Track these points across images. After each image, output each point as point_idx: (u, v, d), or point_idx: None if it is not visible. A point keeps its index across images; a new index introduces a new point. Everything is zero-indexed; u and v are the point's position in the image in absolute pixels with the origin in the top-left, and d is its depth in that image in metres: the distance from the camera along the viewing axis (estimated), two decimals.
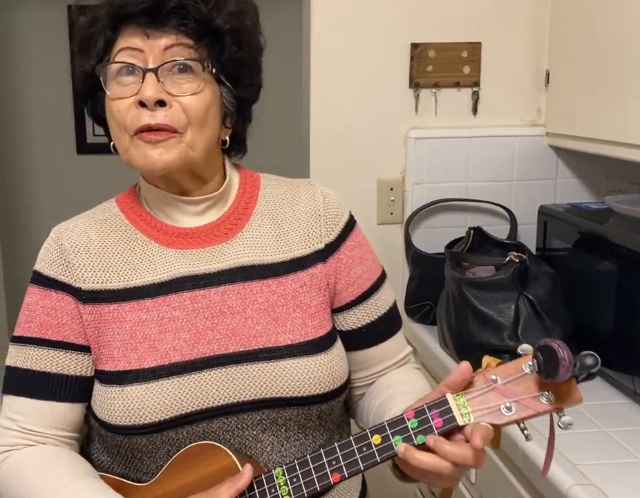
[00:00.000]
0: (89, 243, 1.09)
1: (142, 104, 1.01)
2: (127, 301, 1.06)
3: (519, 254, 1.67)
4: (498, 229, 2.01)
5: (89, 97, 1.11)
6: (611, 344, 1.58)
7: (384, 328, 1.18)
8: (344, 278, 1.13)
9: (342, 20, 1.98)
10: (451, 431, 0.91)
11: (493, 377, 0.90)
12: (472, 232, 1.90)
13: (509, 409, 0.89)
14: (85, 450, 1.15)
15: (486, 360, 0.93)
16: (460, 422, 0.90)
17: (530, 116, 2.07)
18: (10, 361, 1.10)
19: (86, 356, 1.08)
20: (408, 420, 0.92)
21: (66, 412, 1.07)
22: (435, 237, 2.05)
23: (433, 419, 0.91)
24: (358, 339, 1.16)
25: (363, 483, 1.19)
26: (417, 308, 2.04)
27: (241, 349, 1.05)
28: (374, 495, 1.25)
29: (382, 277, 1.19)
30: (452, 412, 0.90)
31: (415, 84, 2.02)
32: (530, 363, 0.89)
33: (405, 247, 2.08)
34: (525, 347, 0.91)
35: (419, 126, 2.04)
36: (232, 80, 1.08)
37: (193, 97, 1.02)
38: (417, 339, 1.98)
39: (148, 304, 1.06)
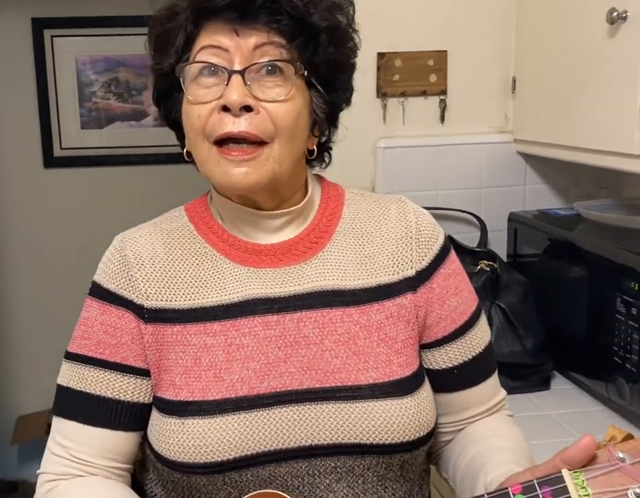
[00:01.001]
0: (154, 256, 0.99)
1: (225, 109, 0.90)
2: (193, 323, 0.96)
3: (490, 262, 1.67)
4: (469, 237, 2.01)
5: (164, 99, 1.00)
6: (584, 351, 1.58)
7: (479, 369, 1.04)
8: (436, 311, 1.00)
9: None
10: None
11: (621, 455, 0.74)
12: None
13: (638, 496, 0.72)
14: (138, 478, 1.06)
15: (611, 430, 0.79)
16: None
17: (498, 123, 2.07)
18: (62, 379, 1.00)
19: (145, 381, 0.98)
20: (514, 495, 0.75)
21: (120, 441, 0.97)
22: None
23: None
24: (448, 381, 1.02)
25: None
26: None
27: (317, 386, 0.93)
28: None
29: (478, 311, 1.06)
30: (569, 492, 0.73)
31: (382, 94, 2.01)
32: None
33: None
34: None
35: (388, 136, 2.04)
36: (324, 84, 0.96)
37: (283, 104, 0.91)
38: None
39: (216, 328, 0.95)
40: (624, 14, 1.45)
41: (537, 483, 0.75)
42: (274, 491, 0.90)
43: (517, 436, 1.02)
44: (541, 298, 1.71)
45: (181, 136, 1.01)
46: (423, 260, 1.01)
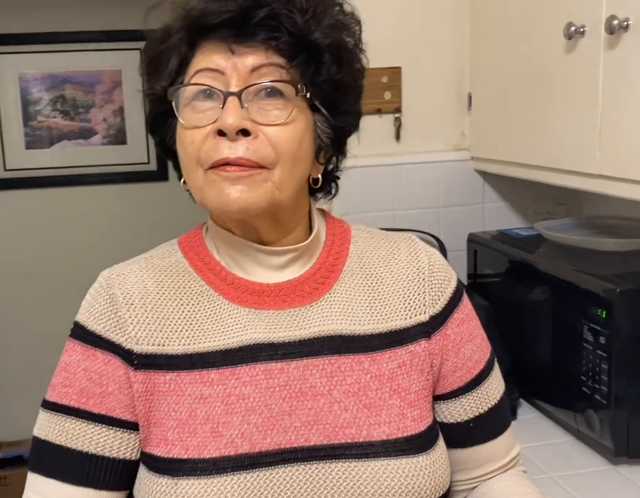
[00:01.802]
0: (145, 295, 0.90)
1: (221, 134, 0.84)
2: (188, 371, 0.87)
3: None
4: None
5: (159, 126, 0.94)
6: (550, 380, 1.52)
7: (495, 422, 0.98)
8: (451, 359, 0.94)
9: None
10: None
11: None
12: None
13: None
14: None
15: None
16: None
17: (454, 140, 2.01)
18: (40, 432, 0.90)
19: (133, 435, 0.89)
20: None
21: None
22: None
23: None
24: (463, 435, 0.96)
25: None
26: None
27: (325, 442, 0.85)
28: None
29: (492, 359, 0.99)
30: None
31: None
32: None
33: None
34: None
35: None
36: (329, 106, 0.90)
37: (283, 128, 0.85)
38: None
39: (213, 376, 0.87)
40: (582, 29, 1.40)
41: None
42: None
43: (532, 494, 0.94)
44: (504, 323, 1.65)
45: (178, 165, 0.94)
46: (436, 304, 0.94)
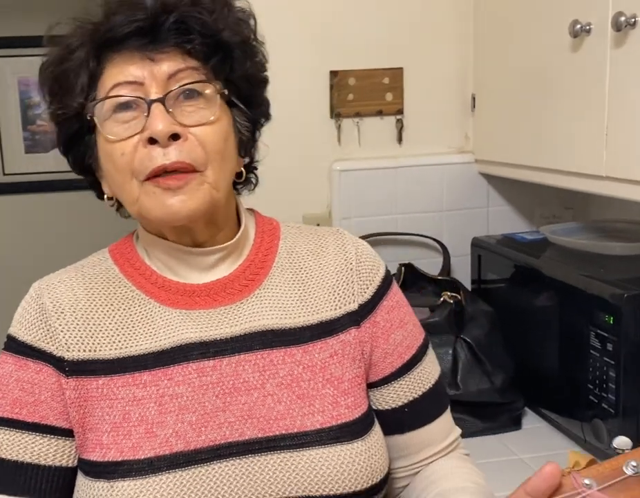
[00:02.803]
0: (75, 303, 0.91)
1: (152, 141, 0.84)
2: (120, 375, 0.88)
3: (453, 293, 1.57)
4: (431, 263, 1.91)
5: (73, 146, 0.93)
6: (556, 387, 1.48)
7: (430, 406, 0.99)
8: (382, 345, 0.95)
9: None
10: None
11: (587, 482, 0.67)
12: (403, 268, 1.79)
13: None
14: None
15: (573, 456, 0.72)
16: None
17: (458, 143, 1.97)
18: None
19: (68, 442, 0.89)
20: None
21: None
22: None
23: None
24: (399, 421, 0.97)
25: None
26: None
27: (260, 435, 0.86)
28: None
29: (425, 344, 1.00)
30: None
31: (336, 114, 1.90)
32: (634, 463, 0.68)
33: None
34: (622, 441, 0.70)
35: (343, 158, 1.92)
36: (244, 101, 0.93)
37: (210, 127, 0.86)
38: None
39: (146, 378, 0.87)
40: (587, 27, 1.36)
41: None
42: None
43: (475, 476, 0.95)
44: (509, 330, 1.60)
45: (94, 182, 0.95)
46: (365, 292, 0.96)
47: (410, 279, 1.78)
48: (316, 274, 0.96)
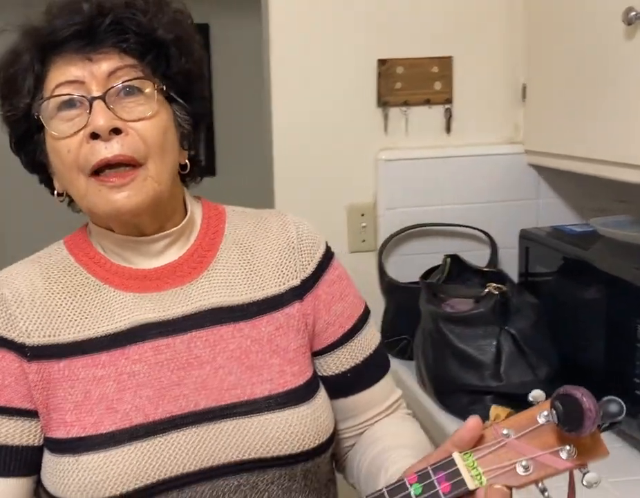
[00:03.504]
0: (34, 291, 0.97)
1: (94, 136, 0.91)
2: (79, 357, 0.94)
3: (499, 285, 1.54)
4: (477, 255, 1.88)
5: (23, 145, 1.00)
6: (602, 381, 1.44)
7: (371, 371, 1.08)
8: (323, 317, 1.03)
9: (304, 36, 1.85)
10: (460, 496, 0.77)
11: (505, 432, 0.77)
12: (448, 260, 1.76)
13: (525, 467, 0.76)
14: None
15: (494, 410, 0.81)
16: (471, 485, 0.76)
17: (507, 133, 1.94)
18: None
19: (34, 422, 0.95)
20: (411, 485, 0.78)
21: (12, 490, 0.93)
22: (410, 265, 1.91)
23: (439, 483, 0.77)
24: (343, 385, 1.05)
25: None
26: (394, 342, 1.89)
27: (213, 405, 0.94)
28: None
29: (365, 314, 1.09)
30: (461, 474, 0.77)
31: (383, 103, 1.89)
32: (546, 413, 0.76)
33: (379, 277, 1.95)
34: (536, 394, 0.78)
35: (390, 147, 1.91)
36: (184, 96, 0.99)
37: (149, 122, 0.93)
38: (394, 376, 1.84)
39: (104, 359, 0.94)
40: None
41: (431, 469, 0.78)
42: None
43: (415, 432, 1.06)
44: (554, 322, 1.57)
45: (45, 179, 1.01)
46: (306, 269, 1.03)
47: (456, 270, 1.75)
48: (261, 253, 1.03)
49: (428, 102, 1.90)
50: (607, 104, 1.49)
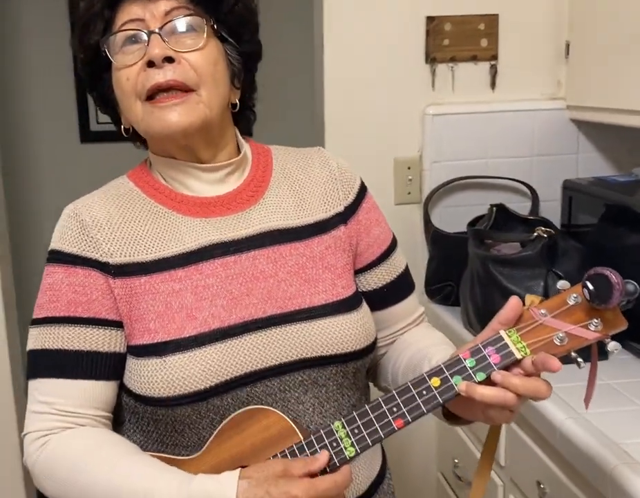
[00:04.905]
0: (110, 218, 1.06)
1: (150, 65, 1.01)
2: (158, 273, 1.04)
3: (547, 229, 1.62)
4: (519, 207, 1.96)
5: (96, 83, 1.11)
6: None
7: (403, 286, 1.21)
8: (365, 239, 1.15)
9: None
10: (508, 367, 0.92)
11: (542, 311, 0.92)
12: (494, 209, 1.84)
13: (561, 339, 0.90)
14: None
15: (529, 298, 0.95)
16: (518, 355, 0.91)
17: (550, 89, 2.01)
18: (35, 344, 1.04)
19: (119, 332, 1.04)
20: (465, 360, 0.93)
21: (102, 391, 1.03)
22: (454, 216, 2.00)
23: (490, 356, 0.92)
24: (380, 299, 1.17)
25: (383, 457, 1.19)
26: (438, 289, 1.99)
27: (278, 312, 1.04)
28: (397, 476, 1.24)
29: (395, 239, 1.22)
30: (509, 347, 0.91)
31: (431, 59, 1.96)
32: (575, 295, 0.91)
33: (424, 228, 2.03)
34: (563, 283, 0.93)
35: (436, 103, 1.99)
36: (234, 36, 1.08)
37: (200, 53, 1.03)
38: (439, 321, 1.93)
39: (180, 274, 1.04)
40: None
41: (481, 345, 0.92)
42: (257, 406, 1.00)
43: (443, 336, 1.19)
44: (598, 266, 1.65)
45: (116, 118, 1.12)
46: (348, 197, 1.15)
47: (502, 219, 1.84)
48: (307, 185, 1.14)
49: (474, 59, 1.97)
50: None
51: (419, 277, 1.95)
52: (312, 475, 0.92)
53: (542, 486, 1.43)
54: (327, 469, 0.94)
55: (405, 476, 2.13)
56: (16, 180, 3.57)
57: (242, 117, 1.16)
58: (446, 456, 2.04)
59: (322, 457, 0.93)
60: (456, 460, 1.91)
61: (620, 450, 1.21)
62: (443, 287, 1.98)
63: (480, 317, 1.70)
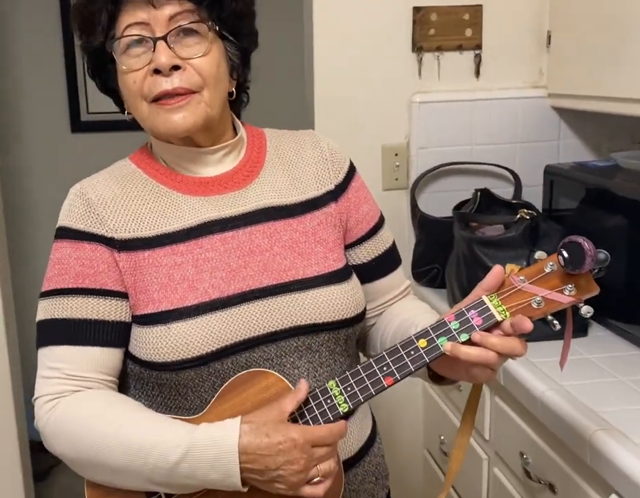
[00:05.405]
0: (114, 197, 1.12)
1: (157, 71, 1.07)
2: (160, 247, 1.10)
3: (529, 211, 1.68)
4: (503, 192, 2.02)
5: (99, 72, 1.16)
6: (622, 298, 1.60)
7: (390, 260, 1.28)
8: (354, 216, 1.22)
9: None
10: (490, 328, 1.00)
11: (521, 278, 1.00)
12: (479, 193, 1.91)
13: (538, 303, 0.98)
14: None
15: (509, 266, 1.02)
16: (498, 318, 0.99)
17: (532, 78, 2.08)
18: (44, 314, 1.10)
19: (124, 302, 1.10)
20: (450, 322, 1.01)
21: (109, 357, 1.09)
22: (440, 201, 2.07)
23: (472, 318, 1.00)
24: (368, 272, 1.24)
25: (374, 421, 1.27)
26: (425, 271, 2.05)
27: (274, 282, 1.11)
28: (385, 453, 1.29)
29: (382, 216, 1.29)
30: (490, 310, 1.00)
31: (417, 48, 2.02)
32: (551, 263, 1.00)
33: (411, 212, 2.09)
34: (541, 253, 1.02)
35: (423, 91, 2.05)
36: (234, 33, 1.14)
37: (204, 59, 1.09)
38: (425, 302, 1.99)
39: (182, 248, 1.11)
40: None
41: (465, 309, 1.01)
42: (256, 369, 1.08)
43: (427, 306, 1.27)
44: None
45: (118, 101, 1.18)
46: (338, 176, 1.22)
47: (485, 203, 1.90)
48: (300, 165, 1.21)
49: (459, 48, 2.03)
50: (630, 49, 1.62)
51: (406, 261, 1.99)
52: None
53: (525, 456, 1.49)
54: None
55: (392, 454, 2.19)
56: (6, 169, 3.59)
57: (237, 100, 1.22)
58: (432, 433, 2.11)
59: (302, 386, 1.01)
60: (442, 437, 1.98)
61: (599, 417, 1.28)
62: (429, 270, 2.04)
63: (465, 297, 1.75)
